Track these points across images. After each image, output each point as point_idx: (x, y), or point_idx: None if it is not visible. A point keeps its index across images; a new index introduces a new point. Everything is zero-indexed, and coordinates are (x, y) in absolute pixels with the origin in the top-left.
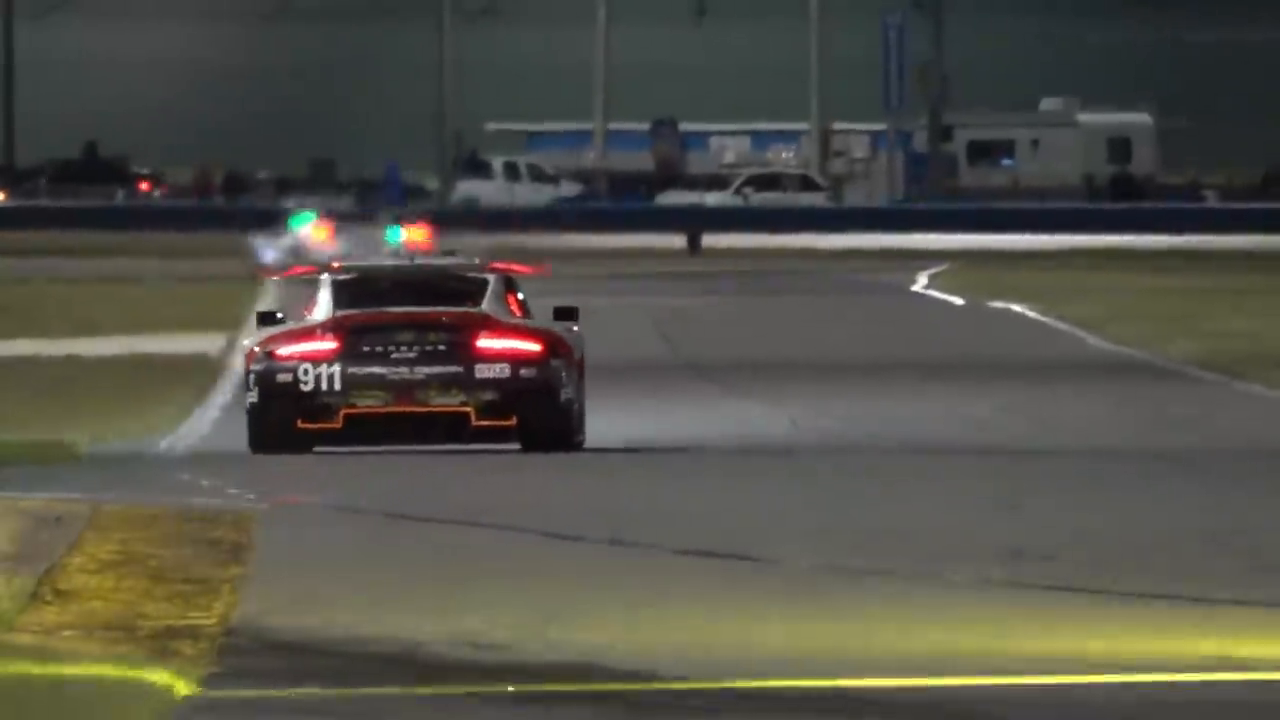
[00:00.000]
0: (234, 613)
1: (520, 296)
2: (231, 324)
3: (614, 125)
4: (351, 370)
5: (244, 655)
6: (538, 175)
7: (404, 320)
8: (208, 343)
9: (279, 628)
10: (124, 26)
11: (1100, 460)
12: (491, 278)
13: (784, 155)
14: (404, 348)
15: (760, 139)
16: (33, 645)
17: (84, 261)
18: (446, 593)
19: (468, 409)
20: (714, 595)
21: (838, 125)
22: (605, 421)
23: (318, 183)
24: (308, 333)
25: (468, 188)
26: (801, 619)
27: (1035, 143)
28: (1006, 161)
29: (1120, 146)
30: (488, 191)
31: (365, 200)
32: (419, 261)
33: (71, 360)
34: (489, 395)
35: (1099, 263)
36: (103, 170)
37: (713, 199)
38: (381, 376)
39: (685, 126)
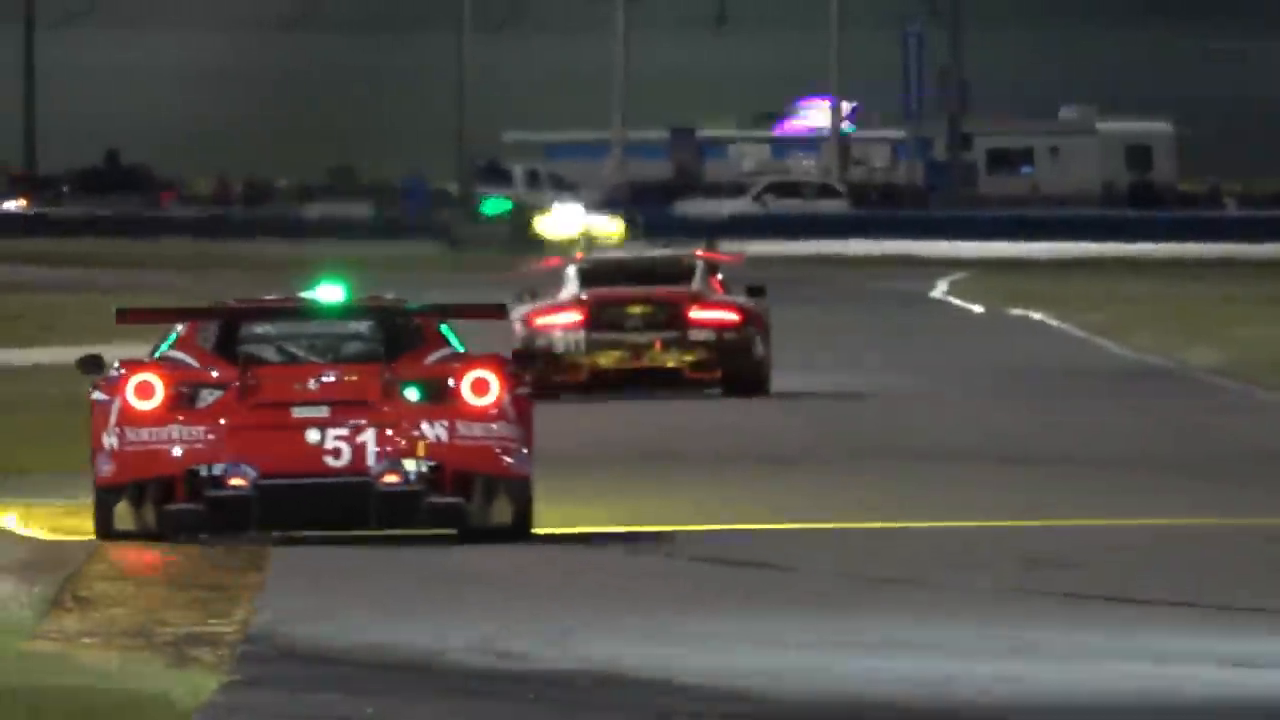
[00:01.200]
0: (253, 620)
1: (720, 277)
2: None
3: (633, 134)
4: (594, 336)
5: (263, 663)
6: (559, 184)
7: (634, 298)
8: None
9: (298, 635)
10: (145, 35)
11: (1120, 468)
12: (699, 263)
13: (804, 163)
14: (634, 318)
15: (780, 147)
16: (53, 652)
17: (105, 270)
18: (466, 601)
19: (683, 365)
20: (733, 604)
21: (859, 133)
22: (623, 428)
23: (338, 191)
24: (560, 307)
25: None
26: (821, 627)
27: (1054, 151)
28: (1026, 169)
29: (1139, 154)
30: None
31: (387, 208)
32: (644, 253)
33: None
34: (700, 354)
35: (1118, 270)
36: (124, 178)
37: (731, 206)
38: (617, 341)
39: (703, 134)
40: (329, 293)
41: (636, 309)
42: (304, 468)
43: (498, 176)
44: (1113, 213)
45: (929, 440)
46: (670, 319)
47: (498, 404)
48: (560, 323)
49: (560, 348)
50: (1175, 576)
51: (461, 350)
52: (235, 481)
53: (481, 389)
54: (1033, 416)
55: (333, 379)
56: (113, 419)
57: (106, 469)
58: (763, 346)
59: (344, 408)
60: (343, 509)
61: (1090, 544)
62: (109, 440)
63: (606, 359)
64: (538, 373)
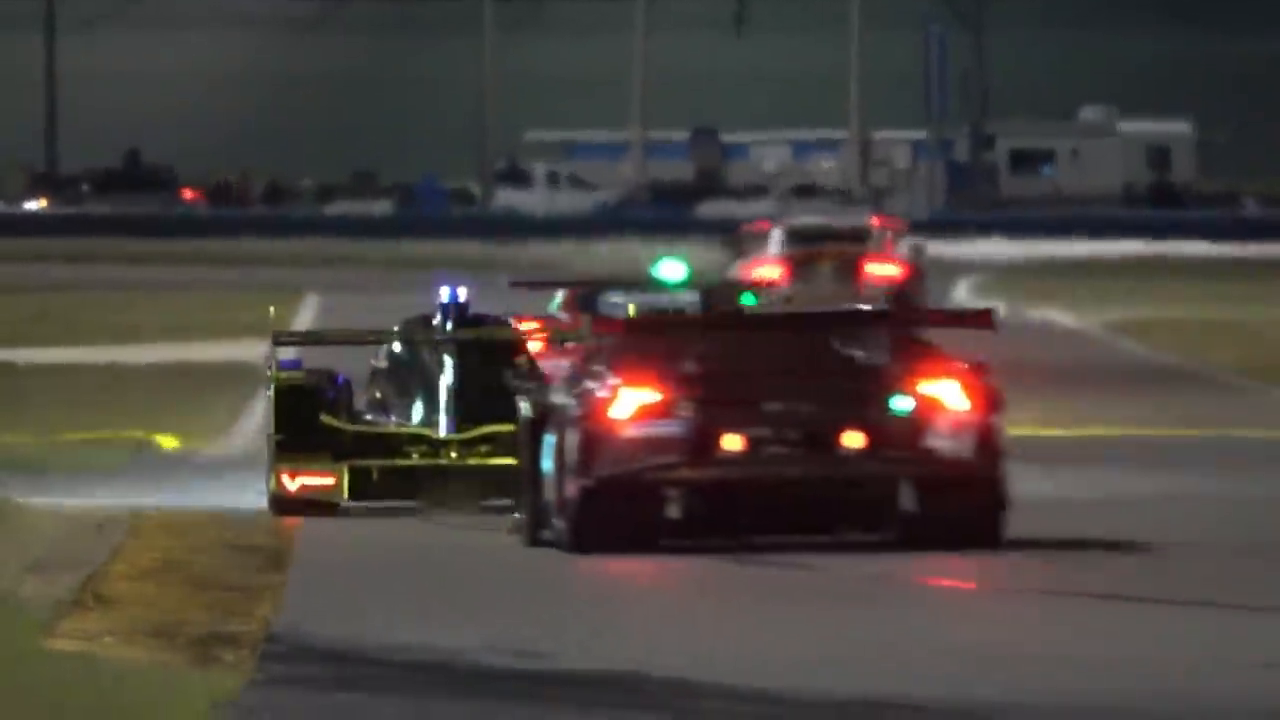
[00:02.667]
0: (274, 619)
1: (890, 239)
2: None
3: (654, 135)
4: (797, 286)
5: (284, 662)
6: (579, 184)
7: (823, 254)
8: (250, 349)
9: (319, 634)
10: (166, 37)
11: (1139, 466)
12: (875, 229)
13: (824, 165)
14: (824, 270)
15: (801, 148)
16: (74, 651)
17: (126, 268)
18: (486, 600)
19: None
20: (756, 602)
21: (879, 134)
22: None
23: (359, 191)
24: (766, 260)
25: (508, 197)
26: (844, 627)
27: (1075, 152)
28: (1047, 170)
29: (1160, 155)
30: (528, 200)
31: (407, 208)
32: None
33: (113, 367)
34: (873, 300)
35: (1139, 271)
36: (145, 178)
37: (754, 209)
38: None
39: (726, 136)
40: (672, 269)
41: (825, 262)
42: None
43: (518, 177)
44: (1133, 213)
45: None
46: (853, 271)
47: None
48: (766, 277)
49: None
50: (1201, 576)
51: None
52: None
53: None
54: (1052, 416)
55: None
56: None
57: None
58: (920, 290)
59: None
60: None
61: (1109, 542)
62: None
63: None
64: None
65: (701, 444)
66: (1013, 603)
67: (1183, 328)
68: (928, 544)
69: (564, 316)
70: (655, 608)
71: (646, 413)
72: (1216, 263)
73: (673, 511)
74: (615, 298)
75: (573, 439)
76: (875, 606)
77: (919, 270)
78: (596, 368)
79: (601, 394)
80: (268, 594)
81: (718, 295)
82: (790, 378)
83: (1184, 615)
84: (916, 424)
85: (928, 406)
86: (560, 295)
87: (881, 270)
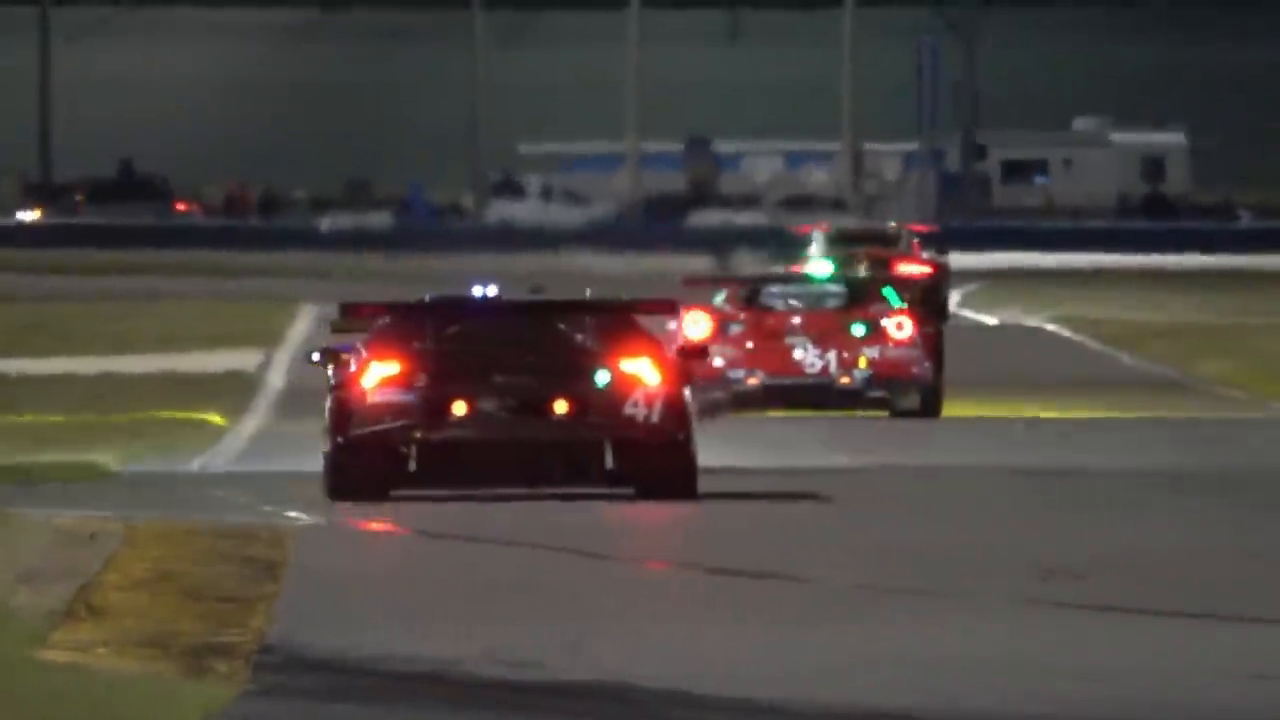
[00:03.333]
0: (268, 630)
1: (917, 242)
2: (267, 340)
3: (647, 146)
4: None
5: (278, 673)
6: (573, 196)
7: (860, 255)
8: (244, 359)
9: (313, 645)
10: (160, 46)
11: (1131, 479)
12: (904, 232)
13: (817, 176)
14: (860, 266)
15: (793, 159)
16: (66, 662)
17: (119, 279)
18: (480, 611)
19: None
20: (748, 614)
21: (870, 145)
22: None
23: (353, 202)
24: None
25: (502, 208)
26: (835, 638)
27: (1069, 162)
28: (1040, 180)
29: (1154, 166)
30: (522, 212)
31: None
32: (868, 225)
33: (107, 378)
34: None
35: (1132, 282)
36: (139, 188)
37: (745, 219)
38: None
39: (718, 147)
40: (820, 267)
41: (864, 262)
42: (791, 374)
43: (513, 189)
44: (1127, 224)
45: (942, 451)
46: (885, 268)
47: (910, 338)
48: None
49: None
50: (1192, 587)
51: (895, 305)
52: (751, 381)
53: (899, 327)
54: (1045, 427)
55: (812, 320)
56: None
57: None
58: (946, 288)
59: (818, 338)
60: (814, 400)
61: (1105, 555)
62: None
63: None
64: None
65: (434, 409)
66: (1006, 613)
67: (1174, 339)
68: (631, 497)
69: (727, 309)
70: (647, 619)
71: (388, 382)
72: (1210, 274)
73: (410, 465)
74: (774, 289)
75: (330, 404)
76: (865, 617)
77: (944, 269)
78: (358, 347)
79: (353, 368)
80: (261, 604)
81: (861, 290)
82: (512, 355)
83: (1179, 625)
84: (615, 395)
85: (625, 380)
86: (724, 291)
87: (911, 269)
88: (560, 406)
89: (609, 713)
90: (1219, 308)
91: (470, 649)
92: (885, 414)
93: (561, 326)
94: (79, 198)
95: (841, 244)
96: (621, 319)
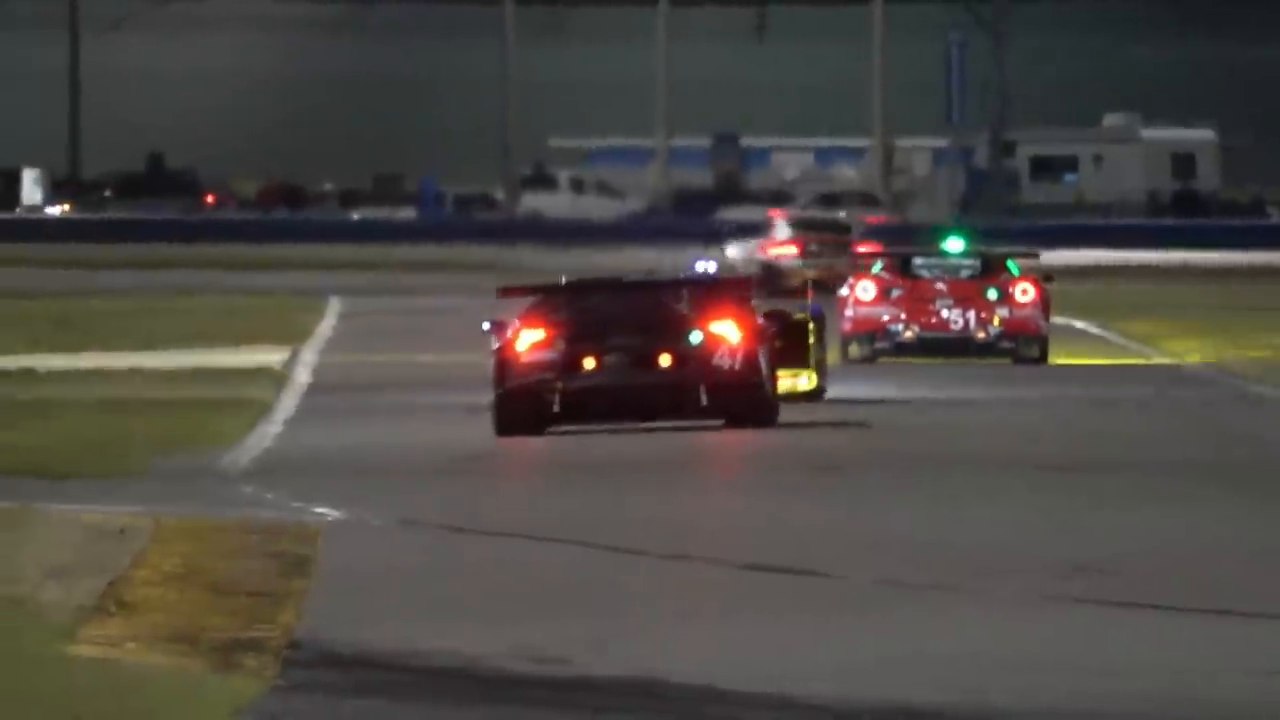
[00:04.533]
0: (297, 626)
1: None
2: (295, 337)
3: (675, 141)
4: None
5: (307, 668)
6: (604, 190)
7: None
8: (272, 356)
9: (342, 641)
10: (189, 40)
11: (1158, 475)
12: (856, 222)
13: (846, 172)
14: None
15: (822, 155)
16: (95, 657)
17: (147, 274)
18: (508, 606)
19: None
20: (775, 610)
21: (899, 142)
22: (666, 438)
23: (383, 196)
24: (781, 243)
25: (533, 201)
26: (863, 634)
27: (1098, 158)
28: (1069, 177)
29: (1184, 162)
30: (553, 205)
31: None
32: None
33: (135, 373)
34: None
35: (1161, 278)
36: (168, 182)
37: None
38: (814, 263)
39: (747, 143)
40: (955, 243)
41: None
42: (940, 329)
43: (544, 182)
44: (1157, 221)
45: (969, 447)
46: (839, 252)
47: (1033, 301)
48: (785, 253)
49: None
50: (1215, 583)
51: (1016, 274)
52: (908, 334)
53: (1024, 293)
54: (1072, 423)
55: (955, 287)
56: (847, 306)
57: (848, 326)
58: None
59: (960, 301)
60: (958, 350)
61: (1131, 551)
62: (848, 312)
63: (810, 273)
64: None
65: (570, 364)
66: (1028, 608)
67: (1203, 336)
68: (720, 426)
69: (886, 275)
70: (672, 614)
71: (536, 346)
72: (1240, 270)
73: (555, 408)
74: (918, 260)
75: (494, 363)
76: (889, 612)
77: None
78: (515, 319)
79: (510, 334)
80: (290, 600)
81: (991, 263)
82: (628, 322)
83: (1199, 621)
84: (706, 350)
85: (713, 339)
86: (881, 261)
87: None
88: (665, 360)
89: (636, 708)
90: (1248, 302)
91: (498, 644)
92: (1009, 360)
93: (664, 300)
94: (107, 192)
95: (800, 229)
96: (709, 293)
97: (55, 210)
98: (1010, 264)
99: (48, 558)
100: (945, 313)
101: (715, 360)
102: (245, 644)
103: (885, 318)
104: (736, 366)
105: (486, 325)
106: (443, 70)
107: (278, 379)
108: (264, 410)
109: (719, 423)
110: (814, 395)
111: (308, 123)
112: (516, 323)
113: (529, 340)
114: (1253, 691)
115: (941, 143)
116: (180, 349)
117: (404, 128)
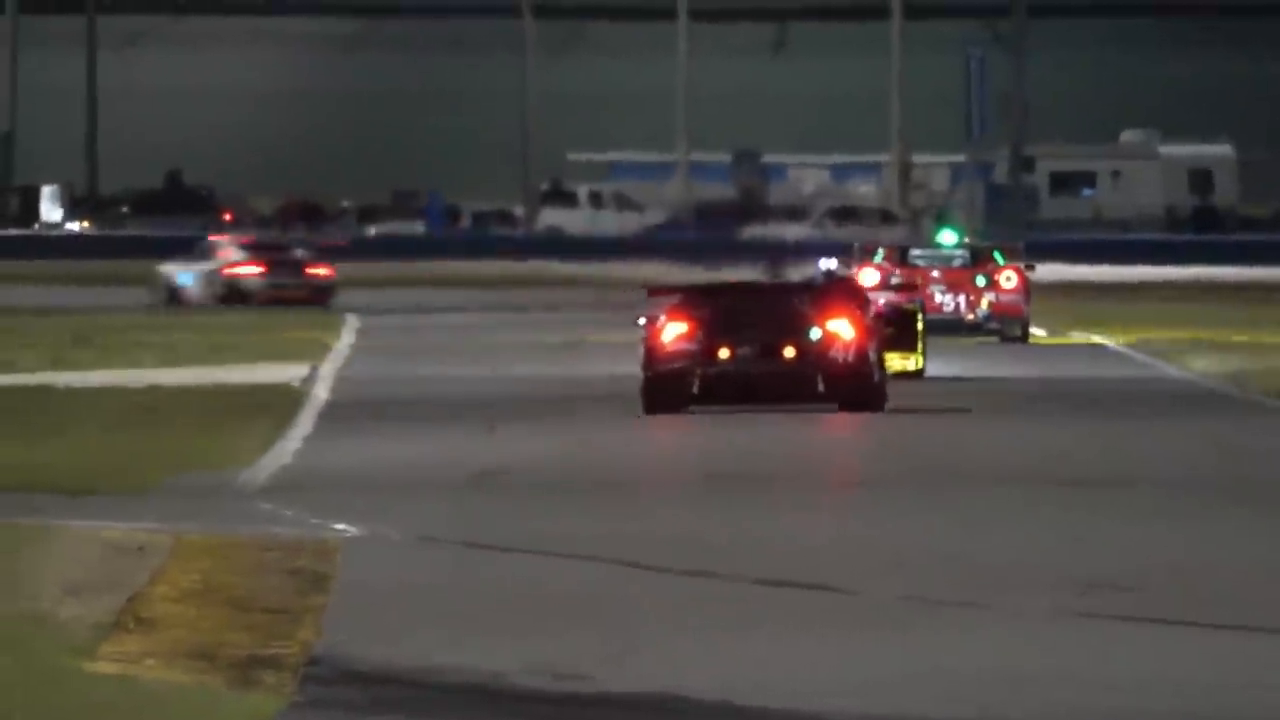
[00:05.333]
0: (316, 642)
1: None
2: (313, 353)
3: (694, 156)
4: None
5: (325, 685)
6: (623, 204)
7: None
8: (290, 372)
9: (360, 657)
10: (207, 56)
11: (1178, 492)
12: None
13: (862, 188)
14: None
15: (840, 171)
16: (114, 674)
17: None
18: (526, 623)
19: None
20: (795, 626)
21: (918, 158)
22: (683, 450)
23: (400, 212)
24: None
25: (552, 217)
26: (883, 650)
27: (1117, 174)
28: (1088, 193)
29: (1202, 178)
30: (572, 220)
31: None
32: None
33: (152, 390)
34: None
35: (1181, 294)
36: (186, 199)
37: (792, 231)
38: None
39: (765, 158)
40: (948, 236)
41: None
42: (934, 311)
43: (561, 197)
44: (1175, 236)
45: (987, 462)
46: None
47: (1016, 287)
48: (248, 272)
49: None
50: (1231, 599)
51: (1001, 263)
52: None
53: (1008, 280)
54: (1092, 440)
55: (947, 274)
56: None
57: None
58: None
59: (951, 286)
60: (950, 330)
61: (1148, 567)
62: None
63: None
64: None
65: (708, 354)
66: (1042, 624)
67: (1222, 352)
68: (835, 410)
69: (886, 263)
70: (690, 629)
71: (680, 338)
72: (1259, 286)
73: (694, 390)
74: (915, 252)
75: (643, 351)
76: (905, 629)
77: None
78: (660, 312)
79: (657, 325)
80: (309, 616)
81: (980, 254)
82: (757, 319)
83: (1213, 637)
84: (824, 344)
85: (830, 335)
86: (882, 250)
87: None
88: (788, 352)
89: None
90: (1268, 319)
91: (517, 660)
92: (996, 339)
93: (789, 299)
94: (125, 209)
95: (255, 251)
96: (826, 294)
97: (73, 226)
98: (996, 254)
99: (67, 574)
100: (938, 297)
101: (831, 354)
102: (264, 660)
103: (883, 301)
104: (850, 359)
105: (641, 320)
106: (461, 85)
107: (296, 395)
108: (282, 426)
109: (831, 407)
110: (918, 374)
111: (326, 139)
112: (662, 317)
113: (673, 332)
114: (1268, 708)
115: (960, 158)
116: (198, 365)
117: (423, 143)
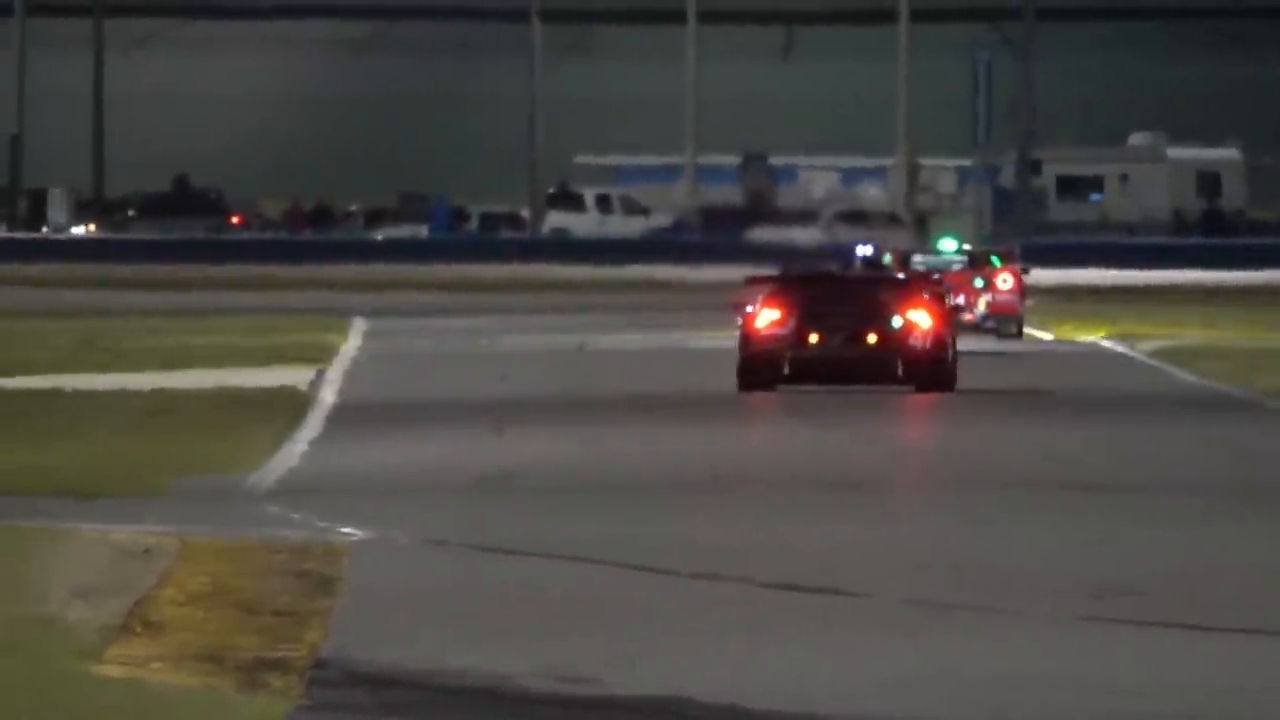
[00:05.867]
0: (323, 645)
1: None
2: (320, 357)
3: (703, 159)
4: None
5: (333, 688)
6: (630, 208)
7: None
8: (296, 376)
9: (367, 660)
10: (214, 59)
11: (1188, 495)
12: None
13: (870, 191)
14: None
15: (849, 175)
16: (122, 677)
17: (172, 294)
18: (534, 626)
19: None
20: (804, 629)
21: (925, 161)
22: (689, 454)
23: (408, 215)
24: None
25: (559, 220)
26: (892, 653)
27: (1124, 178)
28: (1095, 196)
29: (1210, 181)
30: (579, 223)
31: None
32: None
33: (160, 394)
34: None
35: (1188, 298)
36: (194, 202)
37: (802, 236)
38: None
39: (774, 161)
40: (947, 244)
41: None
42: None
43: (569, 200)
44: (1183, 240)
45: (997, 467)
46: None
47: (1012, 288)
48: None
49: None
50: (1241, 603)
51: (998, 266)
52: None
53: (1004, 281)
54: (1101, 443)
55: (946, 278)
56: None
57: None
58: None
59: (952, 288)
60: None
61: (1159, 572)
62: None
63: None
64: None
65: (798, 339)
66: (1056, 629)
67: (1231, 355)
68: (912, 390)
69: (892, 264)
70: (699, 632)
71: (773, 324)
72: (1267, 290)
73: (785, 371)
74: (917, 258)
75: (740, 335)
76: (914, 632)
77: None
78: (754, 301)
79: (751, 312)
80: (316, 619)
81: (978, 259)
82: (843, 307)
83: (1227, 641)
84: (903, 332)
85: (909, 324)
86: (890, 254)
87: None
88: (871, 338)
89: None
90: (1275, 323)
91: (525, 663)
92: (993, 336)
93: (872, 291)
94: (131, 212)
95: None
96: (904, 286)
97: (80, 230)
98: (994, 258)
99: (74, 577)
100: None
101: (911, 340)
102: (271, 663)
103: None
104: (928, 346)
105: (748, 309)
106: (469, 89)
107: (303, 399)
108: (290, 429)
109: (909, 388)
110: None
111: (334, 142)
112: (758, 305)
113: (768, 318)
114: (1276, 713)
115: (967, 162)
116: (205, 369)
117: (431, 147)
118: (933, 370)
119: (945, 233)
